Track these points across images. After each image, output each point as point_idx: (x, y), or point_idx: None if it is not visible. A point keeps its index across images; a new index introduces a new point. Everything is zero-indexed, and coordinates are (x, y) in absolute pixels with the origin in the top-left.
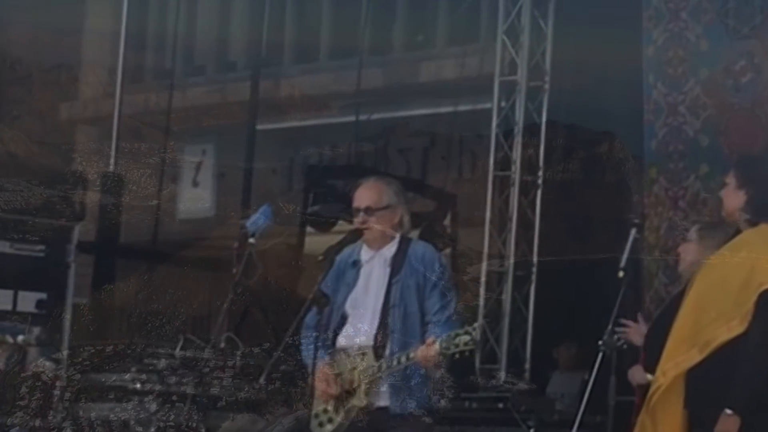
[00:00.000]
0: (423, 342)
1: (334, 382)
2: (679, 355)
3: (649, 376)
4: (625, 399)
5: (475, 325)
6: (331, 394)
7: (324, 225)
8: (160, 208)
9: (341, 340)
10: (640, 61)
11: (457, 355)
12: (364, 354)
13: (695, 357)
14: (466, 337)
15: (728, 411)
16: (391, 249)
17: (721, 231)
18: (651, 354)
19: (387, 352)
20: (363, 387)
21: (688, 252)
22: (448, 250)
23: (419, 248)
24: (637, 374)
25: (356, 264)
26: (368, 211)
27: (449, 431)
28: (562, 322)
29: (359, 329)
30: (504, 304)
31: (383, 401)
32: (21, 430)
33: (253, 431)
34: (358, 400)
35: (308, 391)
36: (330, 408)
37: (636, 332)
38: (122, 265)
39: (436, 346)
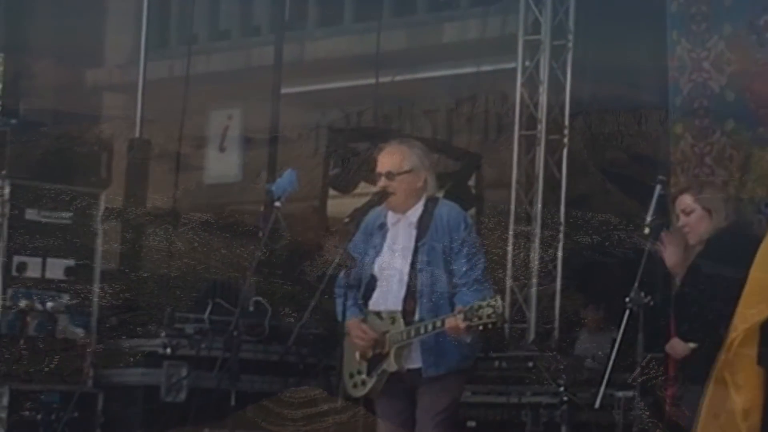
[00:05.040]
0: (451, 307)
1: (368, 343)
2: (749, 309)
3: (691, 345)
4: (653, 356)
5: (498, 297)
6: (365, 355)
7: (346, 187)
8: (188, 173)
9: (372, 304)
10: (664, 18)
11: (480, 327)
12: (393, 319)
13: (765, 312)
14: (489, 310)
15: None
16: (416, 212)
17: (714, 188)
18: (682, 319)
19: (416, 317)
20: (393, 352)
21: (694, 223)
22: (473, 211)
23: (444, 209)
24: (677, 347)
25: (382, 228)
26: (389, 175)
27: (480, 390)
28: (590, 281)
29: (388, 293)
30: (532, 263)
31: (415, 363)
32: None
33: None
34: (389, 365)
35: (340, 351)
36: (363, 370)
37: (671, 246)
38: (149, 232)
39: (461, 317)
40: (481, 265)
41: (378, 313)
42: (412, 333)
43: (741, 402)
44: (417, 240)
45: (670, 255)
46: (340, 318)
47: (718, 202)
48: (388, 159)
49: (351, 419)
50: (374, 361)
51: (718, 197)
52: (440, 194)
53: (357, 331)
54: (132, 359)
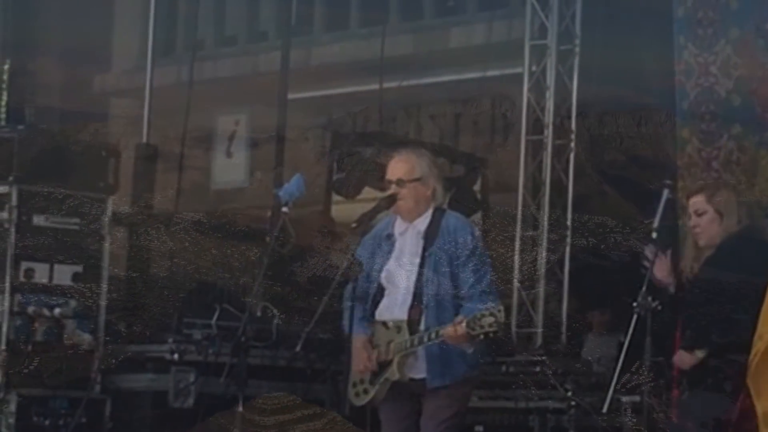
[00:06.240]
0: (455, 318)
1: (371, 352)
2: None
3: (699, 353)
4: (660, 360)
5: (500, 307)
6: (368, 365)
7: (349, 192)
8: (194, 178)
9: (379, 313)
10: (671, 22)
11: (482, 336)
12: (399, 328)
13: None
14: (491, 319)
15: None
16: (424, 221)
17: (729, 191)
18: (689, 326)
19: (421, 326)
20: (396, 361)
21: (705, 224)
22: (478, 215)
23: (452, 220)
24: (685, 357)
25: (390, 237)
26: (400, 183)
27: (487, 395)
28: (597, 285)
29: (394, 303)
30: (539, 268)
31: (420, 373)
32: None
33: None
34: (392, 374)
35: (345, 359)
36: (366, 379)
37: (661, 266)
38: (156, 236)
39: (463, 326)
40: (487, 277)
41: (384, 323)
42: (416, 342)
43: (761, 407)
44: (424, 250)
45: (659, 269)
46: (347, 330)
47: (731, 205)
48: (399, 166)
49: (325, 426)
50: (378, 371)
51: (732, 200)
52: (446, 200)
53: (360, 354)
54: (140, 365)
